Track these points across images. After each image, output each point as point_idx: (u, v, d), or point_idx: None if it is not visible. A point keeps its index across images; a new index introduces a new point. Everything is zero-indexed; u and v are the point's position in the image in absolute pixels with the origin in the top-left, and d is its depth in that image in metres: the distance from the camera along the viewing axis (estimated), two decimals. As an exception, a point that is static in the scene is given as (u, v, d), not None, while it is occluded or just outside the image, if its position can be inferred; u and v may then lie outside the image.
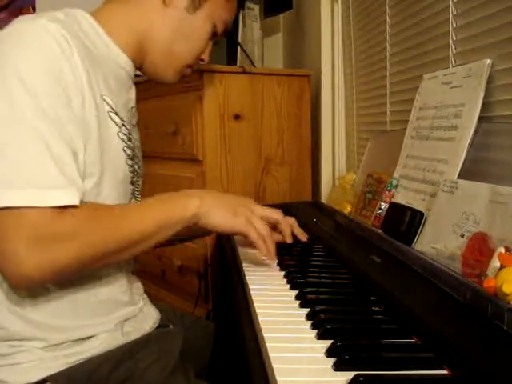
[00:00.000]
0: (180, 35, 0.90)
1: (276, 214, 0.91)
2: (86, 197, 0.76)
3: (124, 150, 0.84)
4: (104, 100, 0.79)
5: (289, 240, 0.92)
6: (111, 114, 0.81)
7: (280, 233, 0.92)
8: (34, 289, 0.76)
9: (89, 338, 0.81)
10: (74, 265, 0.72)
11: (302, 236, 0.95)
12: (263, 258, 0.86)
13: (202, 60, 0.98)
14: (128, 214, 0.80)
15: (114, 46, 0.85)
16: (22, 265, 0.67)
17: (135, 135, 0.92)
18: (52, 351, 0.77)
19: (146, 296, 0.98)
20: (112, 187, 0.82)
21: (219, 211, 0.83)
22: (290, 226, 0.93)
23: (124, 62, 0.88)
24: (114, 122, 0.82)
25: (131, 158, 0.87)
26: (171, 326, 0.98)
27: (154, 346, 0.87)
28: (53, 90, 0.71)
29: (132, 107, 0.93)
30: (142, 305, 0.93)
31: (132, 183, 0.89)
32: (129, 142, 0.86)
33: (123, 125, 0.84)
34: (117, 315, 0.85)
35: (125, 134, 0.84)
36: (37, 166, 0.68)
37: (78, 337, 0.80)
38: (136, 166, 0.90)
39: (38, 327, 0.77)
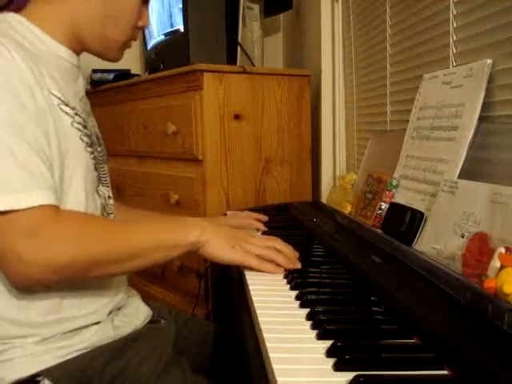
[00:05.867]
0: (108, 20, 0.90)
1: (272, 243, 0.87)
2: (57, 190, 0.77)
3: (81, 139, 0.85)
4: (52, 94, 0.81)
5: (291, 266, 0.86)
6: (61, 106, 0.82)
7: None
8: (25, 290, 0.77)
9: (80, 329, 0.82)
10: (73, 266, 0.74)
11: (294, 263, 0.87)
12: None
13: (142, 27, 0.96)
14: (130, 226, 0.85)
15: (52, 41, 0.86)
16: (21, 262, 0.70)
17: (91, 122, 0.94)
18: (44, 345, 0.79)
19: (135, 291, 1.01)
20: (78, 176, 0.83)
21: (218, 242, 0.84)
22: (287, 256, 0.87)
23: (66, 55, 0.89)
24: (66, 113, 0.83)
25: (90, 145, 0.88)
26: (162, 322, 1.00)
27: (146, 342, 0.89)
28: (4, 97, 0.72)
29: (82, 96, 0.94)
30: (128, 296, 0.95)
31: (96, 169, 0.90)
32: (85, 130, 0.87)
33: (76, 114, 0.85)
34: (103, 304, 0.87)
35: (79, 123, 0.86)
36: (4, 173, 0.70)
37: (69, 329, 0.81)
38: (96, 153, 0.91)
39: (26, 326, 0.78)
